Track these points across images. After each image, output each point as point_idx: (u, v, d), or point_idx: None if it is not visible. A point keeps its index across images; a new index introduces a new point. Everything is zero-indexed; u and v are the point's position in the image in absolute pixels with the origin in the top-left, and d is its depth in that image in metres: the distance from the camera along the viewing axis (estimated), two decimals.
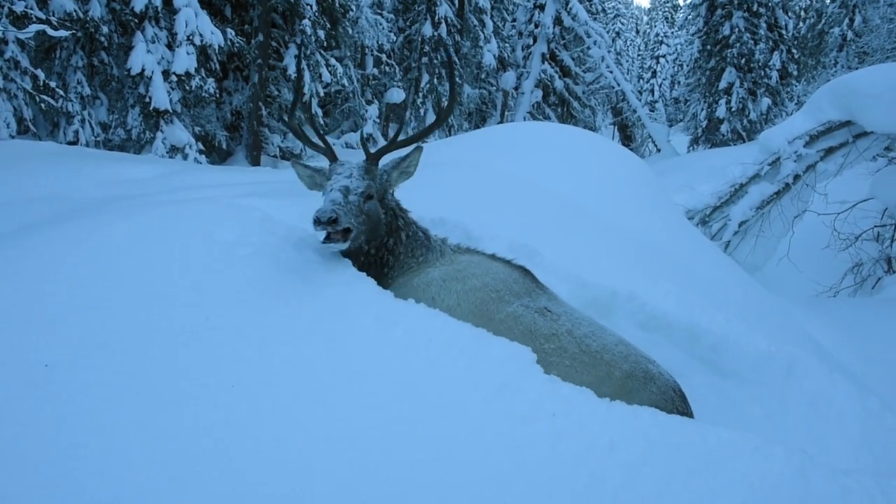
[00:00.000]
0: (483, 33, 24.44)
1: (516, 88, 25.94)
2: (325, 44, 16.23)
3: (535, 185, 4.44)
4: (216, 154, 15.90)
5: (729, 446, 2.00)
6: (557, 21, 24.96)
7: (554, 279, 3.24)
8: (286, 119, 3.03)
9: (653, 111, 30.68)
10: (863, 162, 7.89)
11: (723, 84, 24.23)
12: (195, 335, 2.09)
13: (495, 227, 3.50)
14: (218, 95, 14.66)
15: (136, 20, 12.44)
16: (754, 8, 23.70)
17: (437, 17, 22.61)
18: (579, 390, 2.17)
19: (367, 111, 20.50)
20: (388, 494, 1.71)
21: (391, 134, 25.46)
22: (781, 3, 24.16)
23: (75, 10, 11.41)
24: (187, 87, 12.93)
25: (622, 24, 46.82)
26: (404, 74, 23.38)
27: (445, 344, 2.25)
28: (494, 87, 27.42)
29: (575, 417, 2.01)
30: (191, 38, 12.53)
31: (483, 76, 26.74)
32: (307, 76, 15.09)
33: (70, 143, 11.84)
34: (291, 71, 15.57)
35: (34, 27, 8.36)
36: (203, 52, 13.25)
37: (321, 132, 2.99)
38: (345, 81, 17.28)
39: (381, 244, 2.78)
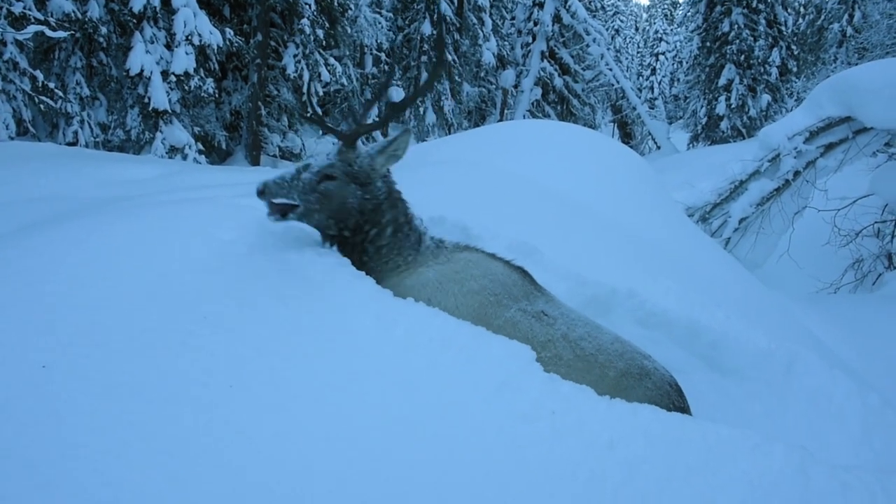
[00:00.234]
0: (482, 31, 24.43)
1: (516, 86, 25.92)
2: (323, 43, 16.24)
3: (535, 183, 4.44)
4: (216, 154, 15.90)
5: (729, 443, 2.00)
6: (556, 19, 24.94)
7: (554, 277, 3.24)
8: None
9: (652, 108, 30.66)
10: (863, 158, 7.88)
11: (722, 81, 24.22)
12: (194, 334, 2.08)
13: (495, 226, 3.50)
14: (217, 95, 14.67)
15: (134, 20, 12.44)
16: (753, 4, 23.68)
17: (436, 16, 22.59)
18: (579, 388, 2.17)
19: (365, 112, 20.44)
20: (389, 494, 1.71)
21: (391, 133, 25.49)
22: None
23: (74, 11, 11.42)
24: (186, 88, 12.93)
25: (621, 21, 46.79)
26: (403, 73, 23.37)
27: (445, 343, 2.25)
28: (494, 86, 27.42)
29: (574, 416, 2.01)
30: (189, 38, 12.53)
31: (482, 74, 26.74)
32: (306, 75, 15.09)
33: (69, 144, 11.85)
34: (291, 70, 15.57)
35: (33, 28, 8.37)
36: (202, 52, 13.25)
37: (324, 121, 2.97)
38: (344, 81, 17.28)
39: (357, 229, 2.73)
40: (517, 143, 5.44)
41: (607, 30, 31.50)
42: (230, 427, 1.79)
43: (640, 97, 28.23)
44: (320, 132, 18.31)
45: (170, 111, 12.66)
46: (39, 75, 10.78)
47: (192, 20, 12.55)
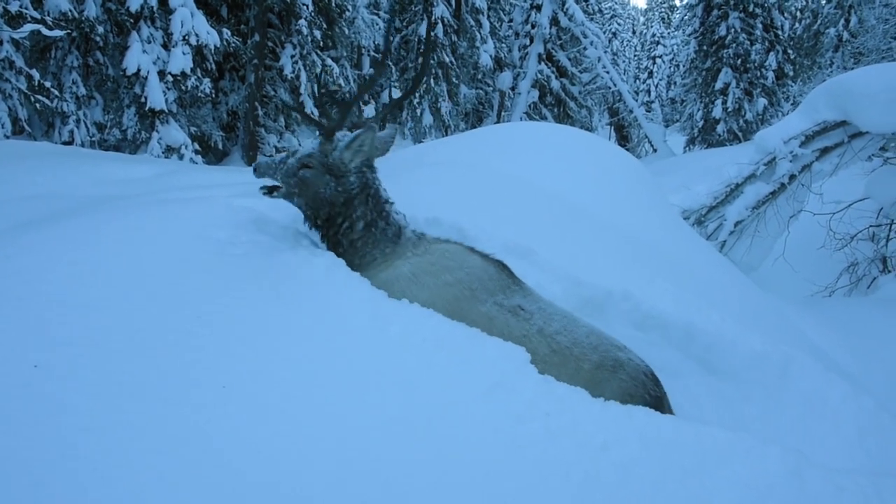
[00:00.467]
0: (480, 34, 24.46)
1: (513, 89, 25.96)
2: (321, 44, 16.23)
3: (532, 185, 4.44)
4: (212, 154, 15.89)
5: (723, 446, 2.00)
6: (554, 21, 24.98)
7: (549, 279, 3.24)
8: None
9: (649, 111, 30.77)
10: (858, 162, 7.89)
11: (719, 84, 24.28)
12: (188, 334, 2.08)
13: (491, 227, 3.49)
14: (214, 95, 14.65)
15: (131, 20, 12.43)
16: (750, 8, 23.75)
17: (433, 18, 22.60)
18: (573, 390, 2.16)
19: (363, 111, 20.49)
20: (383, 494, 1.70)
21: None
22: (777, 3, 24.21)
23: (70, 10, 11.40)
24: (183, 88, 12.92)
25: (619, 24, 46.87)
26: (401, 75, 23.39)
27: (439, 343, 2.25)
28: (491, 88, 27.44)
29: (569, 417, 2.01)
30: (187, 38, 12.52)
31: (480, 76, 26.76)
32: (303, 76, 15.09)
33: (65, 143, 11.84)
34: (288, 71, 15.56)
35: (29, 27, 8.35)
36: (199, 52, 13.24)
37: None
38: (341, 82, 17.28)
39: (330, 220, 2.83)
40: (514, 144, 5.44)
41: (604, 33, 31.55)
42: (224, 426, 1.78)
43: (636, 100, 28.29)
44: (316, 132, 18.29)
45: (166, 111, 12.64)
46: (36, 74, 10.75)
47: (190, 20, 12.53)
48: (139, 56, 12.22)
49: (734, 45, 23.84)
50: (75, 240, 2.53)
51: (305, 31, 15.49)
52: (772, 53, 24.10)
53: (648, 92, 45.80)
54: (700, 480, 1.88)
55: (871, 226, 8.06)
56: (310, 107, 15.77)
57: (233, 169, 10.76)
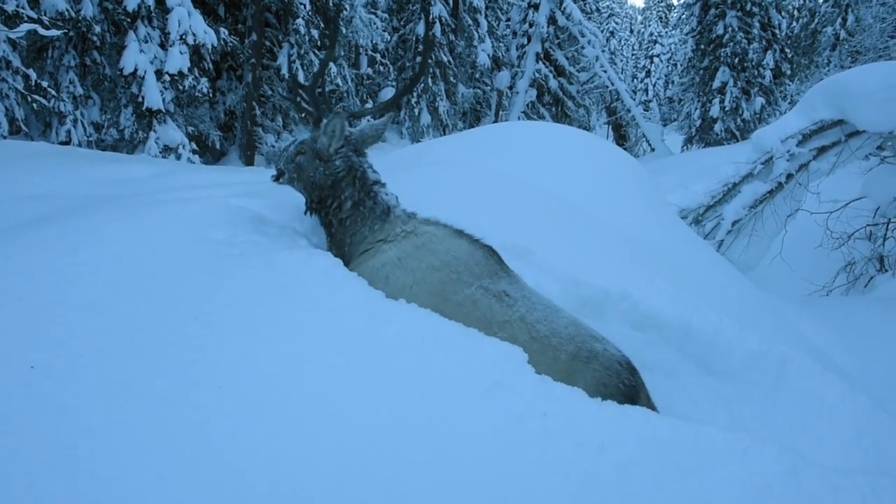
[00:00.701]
0: (477, 33, 24.47)
1: (511, 88, 25.96)
2: (318, 43, 16.22)
3: (529, 184, 4.44)
4: (209, 154, 15.87)
5: (721, 446, 2.01)
6: (552, 20, 24.98)
7: (547, 278, 3.24)
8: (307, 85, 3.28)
9: (647, 110, 30.77)
10: (855, 161, 7.90)
11: (716, 83, 24.31)
12: (185, 335, 2.08)
13: (488, 226, 3.49)
14: (211, 95, 14.64)
15: (128, 19, 12.41)
16: (748, 7, 23.78)
17: (431, 17, 22.60)
18: (570, 390, 2.17)
19: (330, 100, 20.47)
20: (382, 494, 1.70)
21: (386, 134, 25.47)
22: (775, 2, 24.24)
23: (67, 10, 11.38)
24: (180, 87, 12.90)
25: (616, 23, 46.89)
26: (399, 74, 23.38)
27: (437, 343, 2.25)
28: (489, 87, 27.46)
29: (566, 417, 2.01)
30: (184, 37, 12.49)
31: (477, 76, 26.78)
32: (301, 75, 15.07)
33: (62, 143, 11.81)
34: (285, 70, 15.55)
35: (25, 26, 8.32)
36: (196, 52, 13.22)
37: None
38: (339, 81, 17.28)
39: (322, 203, 2.99)
40: (512, 144, 5.44)
41: (602, 32, 31.56)
42: (223, 427, 1.78)
43: (634, 99, 28.31)
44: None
45: (164, 110, 12.62)
46: (32, 74, 10.73)
47: (187, 19, 12.52)
48: (136, 55, 12.20)
49: (732, 43, 23.87)
50: (74, 240, 2.53)
51: (303, 30, 15.48)
52: (769, 52, 24.12)
53: (646, 91, 45.83)
54: (698, 480, 1.89)
55: (868, 225, 8.07)
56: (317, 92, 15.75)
57: (230, 169, 10.74)
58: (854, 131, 7.58)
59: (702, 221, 8.21)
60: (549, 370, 2.29)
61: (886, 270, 7.79)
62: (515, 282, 2.71)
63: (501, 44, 27.10)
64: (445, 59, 23.14)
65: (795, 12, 28.94)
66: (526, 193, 4.32)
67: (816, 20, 27.01)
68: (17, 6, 9.68)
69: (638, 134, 27.15)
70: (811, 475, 1.95)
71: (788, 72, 25.44)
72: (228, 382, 1.93)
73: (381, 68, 23.20)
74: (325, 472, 1.72)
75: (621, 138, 27.81)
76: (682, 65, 31.40)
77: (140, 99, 12.36)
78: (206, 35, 12.78)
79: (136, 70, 12.21)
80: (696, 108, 25.82)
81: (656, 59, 47.65)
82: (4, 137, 10.34)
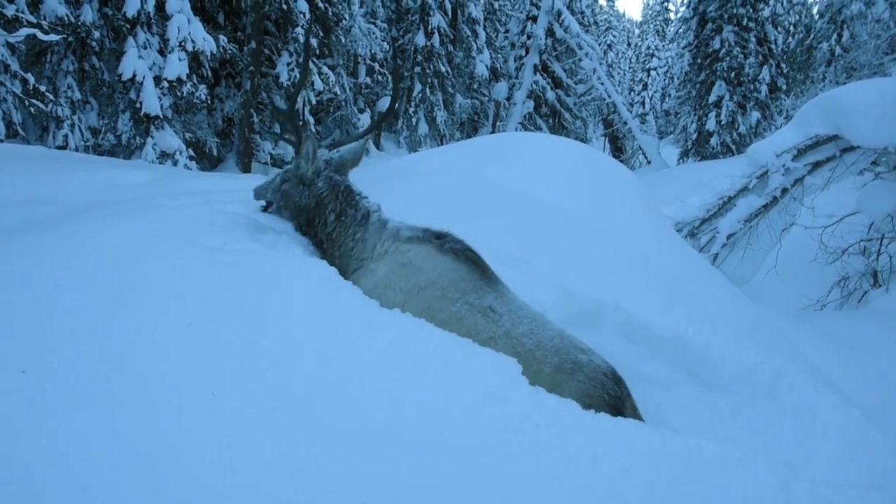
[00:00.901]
0: (476, 44, 24.58)
1: (508, 99, 26.08)
2: (317, 52, 16.27)
3: (525, 195, 4.46)
4: (207, 160, 15.87)
5: (713, 458, 2.01)
6: (550, 33, 25.14)
7: (541, 288, 3.25)
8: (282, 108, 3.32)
9: (643, 123, 30.92)
10: (850, 176, 7.94)
11: (713, 97, 24.46)
12: (177, 342, 2.07)
13: (484, 236, 3.50)
14: (209, 102, 14.65)
15: (128, 25, 12.44)
16: (744, 22, 23.98)
17: (430, 27, 22.72)
18: (563, 401, 2.17)
19: (359, 120, 20.54)
20: (375, 502, 1.70)
21: (383, 143, 25.56)
22: (771, 18, 24.44)
23: (67, 15, 11.39)
24: (179, 93, 12.91)
25: (614, 36, 47.19)
26: (397, 84, 23.42)
27: (431, 353, 2.25)
28: (486, 98, 27.57)
29: (559, 429, 2.01)
30: (183, 44, 12.52)
31: (475, 86, 26.89)
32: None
33: (59, 148, 11.80)
34: (284, 78, 15.59)
35: (25, 31, 8.33)
36: (195, 59, 13.25)
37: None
38: (337, 90, 17.33)
39: (309, 224, 3.08)
40: (509, 154, 5.46)
41: (600, 45, 31.76)
42: (215, 435, 1.78)
43: (631, 112, 28.45)
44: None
45: (161, 117, 12.63)
46: (31, 78, 10.72)
47: (186, 26, 12.55)
48: (135, 61, 12.22)
49: (728, 58, 24.04)
50: (69, 246, 2.52)
51: (302, 38, 15.53)
52: (765, 67, 24.30)
53: (643, 104, 46.05)
54: (689, 492, 1.89)
55: (862, 240, 8.10)
56: (305, 114, 15.78)
57: (227, 175, 10.73)
58: (849, 147, 7.63)
59: (697, 234, 8.23)
60: (533, 383, 2.30)
61: (880, 285, 7.81)
62: (501, 295, 2.72)
63: (500, 55, 27.23)
64: (444, 69, 23.23)
65: (791, 28, 29.15)
66: (522, 204, 4.33)
67: (812, 36, 27.20)
68: (17, 10, 9.70)
69: (634, 146, 27.28)
70: (802, 489, 1.96)
71: (784, 87, 25.62)
72: (220, 391, 1.93)
73: (380, 77, 23.27)
74: (315, 481, 1.72)
75: (618, 150, 27.93)
76: (678, 78, 31.56)
77: (138, 105, 12.37)
78: (206, 42, 12.81)
79: (134, 76, 12.23)
80: (692, 122, 25.95)
81: (653, 73, 47.93)
82: (2, 141, 10.33)
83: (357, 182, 3.24)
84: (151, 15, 12.45)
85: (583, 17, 27.37)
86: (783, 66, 25.13)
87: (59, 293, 2.19)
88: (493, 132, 25.78)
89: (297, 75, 15.57)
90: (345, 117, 20.55)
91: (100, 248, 2.53)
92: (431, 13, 22.68)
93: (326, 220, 3.01)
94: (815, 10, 28.78)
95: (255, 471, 1.70)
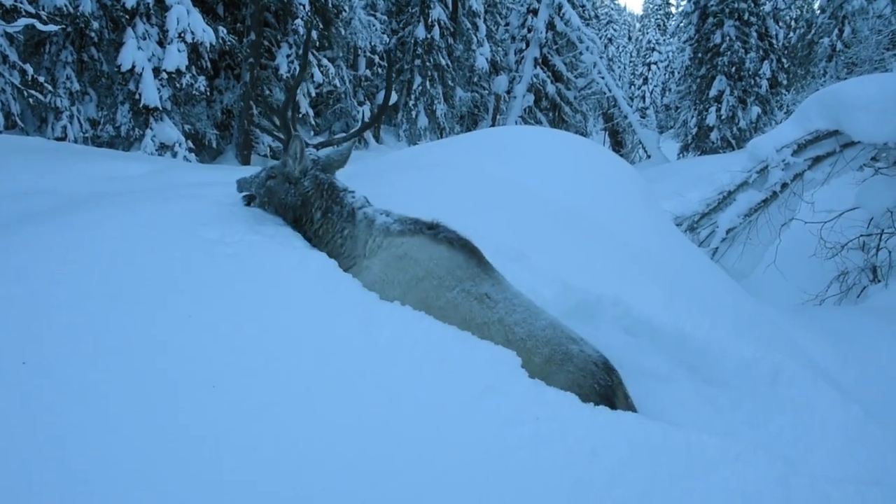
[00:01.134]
0: (476, 37, 24.51)
1: (508, 92, 26.01)
2: (317, 44, 16.21)
3: (525, 189, 4.45)
4: (206, 152, 15.83)
5: (712, 452, 2.01)
6: (550, 26, 25.06)
7: (540, 282, 3.24)
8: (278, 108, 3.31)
9: (643, 117, 30.83)
10: (850, 171, 7.92)
11: (713, 92, 24.41)
12: (177, 334, 2.07)
13: (483, 230, 3.49)
14: (209, 94, 14.59)
15: (127, 16, 12.37)
16: (746, 17, 23.91)
17: (430, 20, 22.64)
18: (562, 394, 2.17)
19: (358, 112, 20.50)
20: (373, 496, 1.70)
21: (383, 136, 25.50)
22: (772, 12, 24.37)
23: (66, 5, 11.32)
24: (178, 85, 12.86)
25: (614, 30, 47.07)
26: (397, 76, 23.37)
27: (430, 346, 2.25)
28: (486, 91, 27.49)
29: (559, 422, 2.01)
30: (182, 35, 12.46)
31: (475, 79, 26.81)
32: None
33: (58, 139, 11.76)
34: (283, 70, 15.54)
35: (23, 21, 8.28)
36: (194, 50, 13.19)
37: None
38: (336, 82, 17.28)
39: (297, 222, 3.08)
40: (508, 148, 5.45)
41: (600, 38, 31.65)
42: (211, 428, 1.78)
43: (631, 106, 28.37)
44: (311, 133, 18.30)
45: (160, 108, 12.58)
46: (29, 69, 10.66)
47: (186, 17, 12.48)
48: (134, 53, 12.16)
49: (729, 53, 23.98)
50: (68, 238, 2.52)
51: (302, 30, 15.47)
52: (766, 62, 24.25)
53: (643, 98, 45.97)
54: (688, 486, 1.89)
55: (861, 235, 8.10)
56: (305, 107, 15.73)
57: (226, 168, 10.71)
58: (849, 142, 7.62)
59: (696, 229, 8.22)
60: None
61: (879, 281, 7.81)
62: (498, 283, 2.73)
63: (500, 48, 27.15)
64: (444, 62, 23.17)
65: (793, 23, 29.06)
66: (521, 197, 4.32)
67: (813, 31, 27.10)
68: (16, 1, 9.64)
69: (634, 140, 27.24)
70: (801, 483, 1.96)
71: (785, 82, 25.56)
72: (219, 384, 1.92)
73: (379, 70, 23.20)
74: (314, 475, 1.71)
75: (618, 144, 27.89)
76: (679, 73, 31.51)
77: (137, 96, 12.32)
78: (205, 33, 12.74)
79: (133, 67, 12.17)
80: (692, 116, 25.91)
81: (654, 67, 47.81)
82: (0, 132, 10.29)
83: (357, 175, 3.24)
84: (150, 6, 12.39)
85: (583, 11, 27.26)
86: (784, 60, 25.07)
87: (56, 287, 2.18)
88: (493, 126, 25.73)
89: (297, 67, 15.52)
90: (344, 109, 20.51)
91: (100, 241, 2.52)
92: (432, 5, 22.60)
93: (313, 217, 3.03)
94: (816, 6, 28.65)
95: (252, 466, 1.69)
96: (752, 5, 23.96)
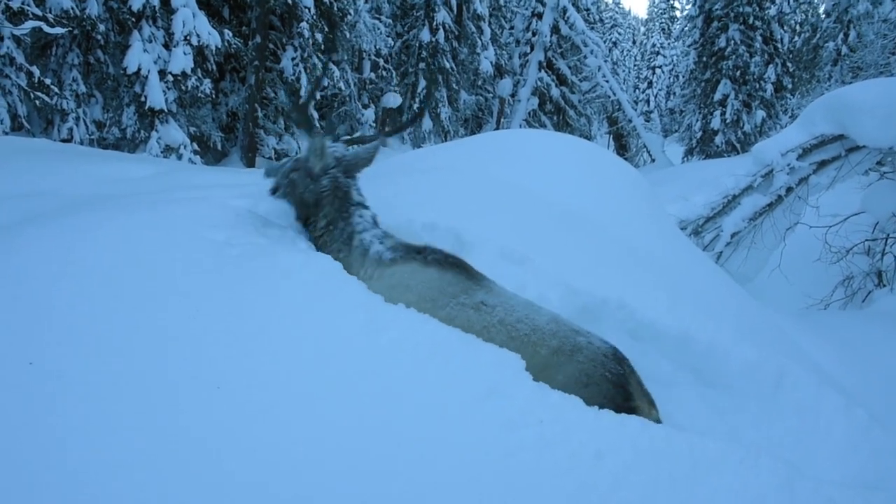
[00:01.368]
0: (481, 40, 24.52)
1: (513, 96, 26.01)
2: (322, 47, 16.24)
3: (529, 192, 4.45)
4: (211, 155, 15.86)
5: (716, 456, 2.01)
6: (555, 30, 25.06)
7: (544, 285, 3.25)
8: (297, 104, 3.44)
9: (648, 121, 30.84)
10: (855, 176, 7.91)
11: (718, 96, 24.36)
12: (182, 336, 2.07)
13: (487, 233, 3.50)
14: (214, 96, 14.63)
15: (133, 19, 12.42)
16: (750, 21, 23.86)
17: (434, 23, 22.67)
18: (566, 397, 2.17)
19: (363, 115, 20.52)
20: (374, 498, 1.70)
21: (388, 139, 25.49)
22: (777, 16, 24.32)
23: (72, 8, 11.37)
24: (183, 87, 12.89)
25: (619, 34, 47.06)
26: (401, 79, 23.41)
27: (433, 349, 2.25)
28: (491, 94, 27.49)
29: (562, 425, 2.01)
30: (188, 38, 12.50)
31: (480, 83, 26.82)
32: (303, 79, 15.10)
33: (64, 141, 11.79)
34: (288, 73, 15.58)
35: (30, 23, 8.33)
36: (200, 53, 13.23)
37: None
38: (342, 85, 17.31)
39: (306, 220, 3.12)
40: (512, 151, 5.45)
41: (605, 42, 31.67)
42: (215, 428, 1.78)
43: (636, 110, 28.36)
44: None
45: (166, 110, 12.62)
46: (36, 71, 10.70)
47: (191, 20, 12.52)
48: (140, 55, 12.20)
49: (734, 56, 23.94)
50: (73, 239, 2.53)
51: (307, 33, 15.51)
52: (771, 66, 24.20)
53: (648, 102, 45.95)
54: (692, 490, 1.89)
55: (866, 240, 8.08)
56: (309, 109, 15.76)
57: (231, 170, 10.74)
58: (854, 146, 7.60)
59: (701, 233, 8.21)
60: (528, 366, 2.31)
61: (884, 285, 7.79)
62: (492, 291, 2.74)
63: (504, 52, 27.16)
64: (448, 65, 23.19)
65: (798, 27, 29.03)
66: (525, 201, 4.32)
67: (818, 35, 27.07)
68: (23, 3, 9.68)
69: (639, 144, 27.19)
70: (806, 488, 1.95)
71: (790, 86, 25.51)
72: (223, 384, 1.93)
73: (384, 73, 23.23)
74: (317, 476, 1.72)
75: (622, 148, 27.85)
76: (683, 76, 31.48)
77: (143, 98, 12.36)
78: (211, 36, 12.79)
79: (139, 69, 12.21)
80: (697, 120, 25.87)
81: (658, 71, 47.77)
82: (6, 134, 10.33)
83: (361, 178, 3.23)
84: (157, 8, 12.44)
85: (588, 15, 27.28)
86: (789, 64, 25.02)
87: (65, 287, 2.19)
88: (497, 129, 25.73)
89: (302, 70, 15.56)
90: (349, 112, 20.55)
91: (104, 242, 2.53)
92: (436, 9, 22.62)
93: (317, 223, 3.04)
94: (821, 10, 28.64)
95: (254, 467, 1.70)
96: (757, 9, 23.93)
